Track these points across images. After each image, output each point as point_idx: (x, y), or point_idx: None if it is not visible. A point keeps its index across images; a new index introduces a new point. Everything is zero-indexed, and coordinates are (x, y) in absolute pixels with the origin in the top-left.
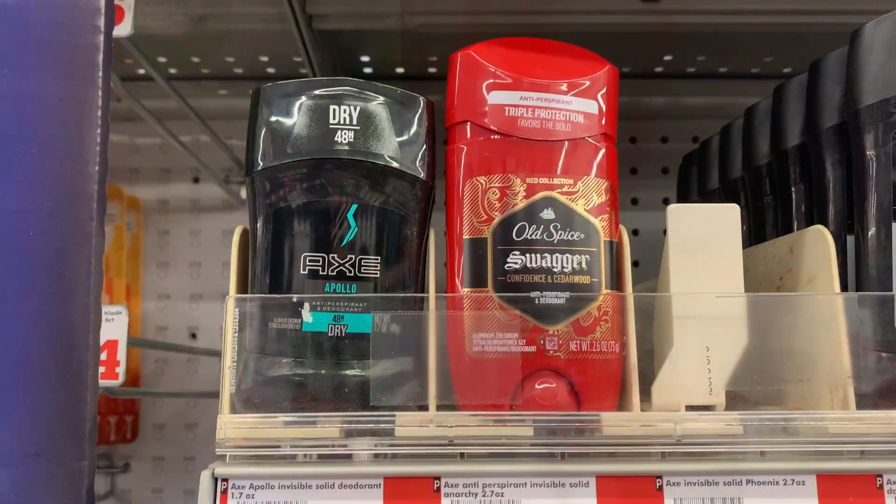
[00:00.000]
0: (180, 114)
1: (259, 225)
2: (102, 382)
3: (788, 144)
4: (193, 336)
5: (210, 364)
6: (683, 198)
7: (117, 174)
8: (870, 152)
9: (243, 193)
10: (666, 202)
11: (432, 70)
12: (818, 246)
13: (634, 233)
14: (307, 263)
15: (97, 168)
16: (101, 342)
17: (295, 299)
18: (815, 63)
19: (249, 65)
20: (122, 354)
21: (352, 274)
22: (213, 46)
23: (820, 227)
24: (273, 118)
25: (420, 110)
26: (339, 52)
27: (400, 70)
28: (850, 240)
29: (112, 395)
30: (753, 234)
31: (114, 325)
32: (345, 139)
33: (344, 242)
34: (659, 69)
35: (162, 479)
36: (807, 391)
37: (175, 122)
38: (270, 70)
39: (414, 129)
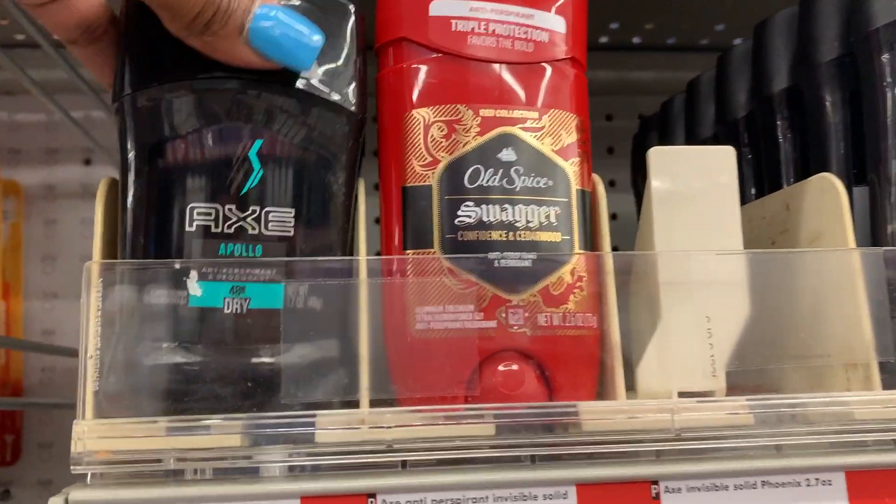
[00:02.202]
0: (68, 87)
1: (131, 168)
2: None
3: (775, 89)
4: None
5: None
6: (639, 172)
7: None
8: (888, 81)
9: None
10: (613, 184)
11: None
12: (826, 197)
13: None
14: (195, 217)
15: None
16: None
17: (178, 265)
18: None
19: None
20: None
21: (255, 231)
22: None
23: (826, 175)
24: (151, 27)
25: (349, 22)
26: None
27: None
28: (857, 192)
29: None
30: None
31: None
32: None
33: (245, 189)
34: (604, 39)
35: None
36: (813, 371)
37: (62, 96)
38: None
39: (340, 44)
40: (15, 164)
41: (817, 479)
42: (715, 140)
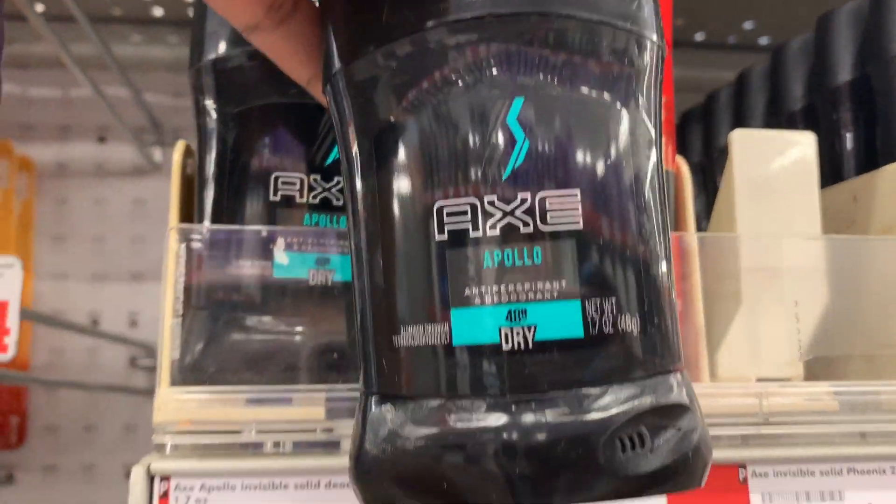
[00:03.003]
0: (83, 62)
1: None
2: None
3: (840, 80)
4: (95, 323)
5: (115, 355)
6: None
7: (6, 129)
8: None
9: (157, 156)
10: None
11: None
12: None
13: None
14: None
15: None
16: None
17: (265, 233)
18: None
19: (171, 5)
20: (13, 321)
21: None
22: None
23: None
24: None
25: None
26: None
27: None
28: None
29: None
30: None
31: (4, 282)
32: None
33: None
34: None
35: (54, 492)
36: (876, 360)
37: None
38: None
39: None
40: (27, 140)
41: None
42: None
